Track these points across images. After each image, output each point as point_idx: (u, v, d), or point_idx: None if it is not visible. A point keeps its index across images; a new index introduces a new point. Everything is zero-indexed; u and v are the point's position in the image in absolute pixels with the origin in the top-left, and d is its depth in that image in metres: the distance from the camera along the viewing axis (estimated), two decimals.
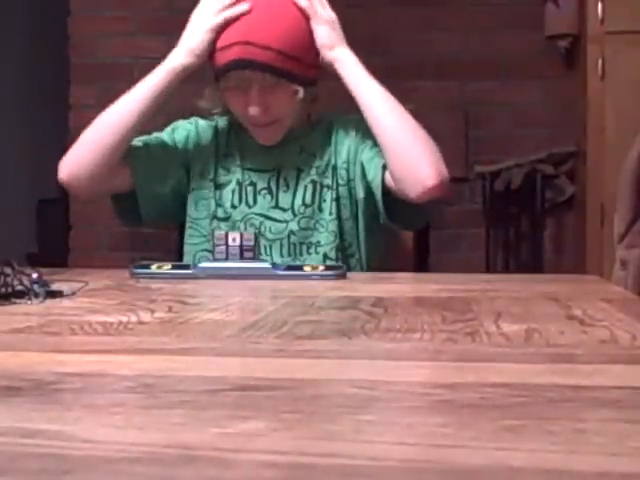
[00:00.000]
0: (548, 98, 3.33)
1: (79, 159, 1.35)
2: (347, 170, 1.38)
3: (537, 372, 0.50)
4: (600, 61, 2.95)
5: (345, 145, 1.39)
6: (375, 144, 1.33)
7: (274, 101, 1.32)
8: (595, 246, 2.91)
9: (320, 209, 1.37)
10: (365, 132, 1.36)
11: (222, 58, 1.31)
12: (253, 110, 1.31)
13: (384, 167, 1.30)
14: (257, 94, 1.30)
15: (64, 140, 3.62)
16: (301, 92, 1.34)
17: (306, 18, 1.32)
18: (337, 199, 1.37)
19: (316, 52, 1.34)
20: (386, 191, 1.31)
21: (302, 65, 1.32)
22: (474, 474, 0.32)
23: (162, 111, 1.35)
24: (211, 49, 1.32)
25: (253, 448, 0.35)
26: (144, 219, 1.40)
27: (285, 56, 1.29)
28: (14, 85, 4.48)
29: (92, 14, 3.53)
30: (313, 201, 1.37)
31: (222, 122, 1.44)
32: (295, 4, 1.32)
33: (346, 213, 1.38)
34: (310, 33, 1.33)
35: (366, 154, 1.35)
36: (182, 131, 1.43)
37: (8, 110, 4.40)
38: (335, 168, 1.39)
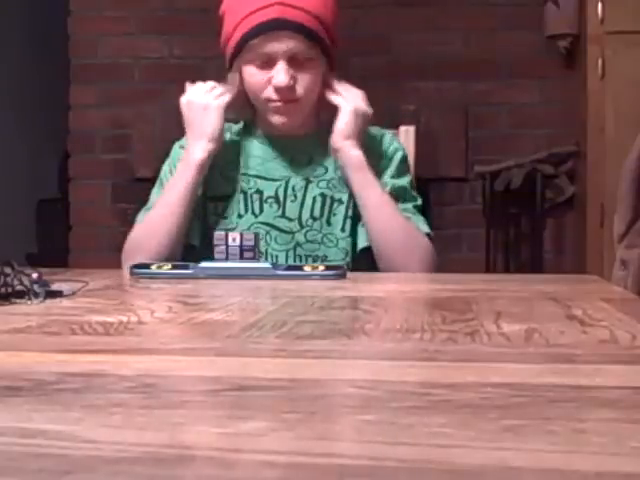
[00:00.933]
0: (548, 98, 3.33)
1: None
2: None
3: (537, 372, 0.50)
4: (600, 61, 2.95)
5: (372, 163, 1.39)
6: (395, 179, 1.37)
7: (300, 76, 1.31)
8: (595, 246, 2.91)
9: (329, 223, 1.36)
10: (389, 155, 1.40)
11: (255, 20, 1.28)
12: (281, 77, 1.28)
13: None
14: (286, 63, 1.29)
15: (64, 140, 3.64)
16: (323, 66, 1.35)
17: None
18: (353, 217, 1.36)
19: (337, 32, 1.35)
20: None
21: (330, 37, 1.33)
22: (474, 474, 0.32)
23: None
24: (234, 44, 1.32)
25: (253, 448, 0.35)
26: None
27: (319, 22, 1.30)
28: (14, 85, 4.48)
29: (92, 14, 3.53)
30: (322, 214, 1.36)
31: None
32: None
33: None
34: (336, 12, 1.34)
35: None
36: (178, 158, 1.40)
37: (8, 110, 4.40)
38: None
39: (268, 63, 1.30)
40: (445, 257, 3.34)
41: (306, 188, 1.37)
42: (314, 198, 1.36)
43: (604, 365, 0.52)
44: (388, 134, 1.44)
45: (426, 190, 3.27)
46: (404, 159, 1.41)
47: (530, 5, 3.28)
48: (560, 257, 3.39)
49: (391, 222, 1.31)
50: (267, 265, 1.12)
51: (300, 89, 1.31)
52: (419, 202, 1.40)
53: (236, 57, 1.34)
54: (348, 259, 1.35)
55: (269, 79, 1.30)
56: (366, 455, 0.34)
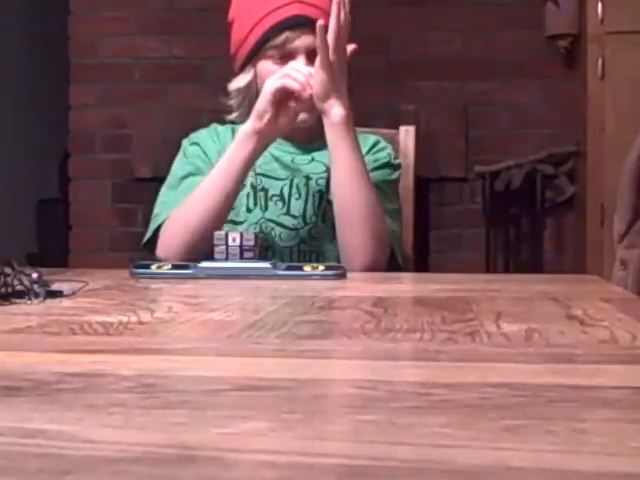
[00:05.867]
0: (548, 98, 3.33)
1: (175, 240, 1.30)
2: None
3: (537, 372, 0.50)
4: (600, 61, 2.95)
5: None
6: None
7: None
8: (595, 246, 2.91)
9: (323, 220, 1.37)
10: (374, 162, 1.38)
11: (276, 17, 1.31)
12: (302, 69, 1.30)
13: None
14: (305, 58, 1.30)
15: (64, 140, 3.64)
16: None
17: None
18: None
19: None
20: None
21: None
22: (474, 474, 0.32)
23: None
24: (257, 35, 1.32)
25: (253, 448, 0.35)
26: None
27: None
28: (14, 85, 4.48)
29: (92, 14, 3.53)
30: (319, 211, 1.38)
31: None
32: None
33: None
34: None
35: None
36: (193, 154, 1.40)
37: (8, 110, 4.40)
38: None
39: (286, 59, 1.32)
40: (445, 257, 3.36)
41: (307, 185, 1.38)
42: (314, 195, 1.38)
43: (604, 365, 0.52)
44: (382, 141, 1.44)
45: (426, 190, 3.27)
46: (387, 164, 1.42)
47: (530, 5, 3.28)
48: (560, 257, 3.38)
49: (355, 193, 1.27)
50: (267, 265, 1.12)
51: None
52: (396, 206, 1.40)
53: (252, 57, 1.35)
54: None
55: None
56: (366, 455, 0.34)
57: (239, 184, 1.30)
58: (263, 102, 1.27)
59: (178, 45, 3.49)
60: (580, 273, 2.33)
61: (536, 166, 3.27)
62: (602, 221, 2.86)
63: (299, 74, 1.27)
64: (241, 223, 1.37)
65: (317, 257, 1.36)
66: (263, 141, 1.29)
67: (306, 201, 1.38)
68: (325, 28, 1.24)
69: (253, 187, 1.39)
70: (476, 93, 3.35)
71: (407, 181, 1.52)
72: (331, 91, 1.27)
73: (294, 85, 1.26)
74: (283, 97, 1.27)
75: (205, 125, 1.48)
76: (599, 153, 2.94)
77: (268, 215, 1.38)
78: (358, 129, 1.45)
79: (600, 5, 2.95)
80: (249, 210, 1.38)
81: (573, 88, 3.23)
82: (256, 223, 1.37)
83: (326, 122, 1.28)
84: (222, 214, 1.30)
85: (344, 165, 1.28)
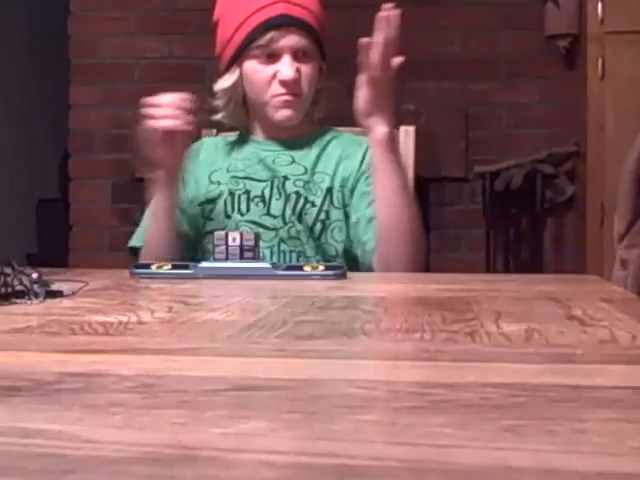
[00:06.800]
0: (548, 98, 3.33)
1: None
2: (342, 194, 1.38)
3: (537, 372, 0.50)
4: (600, 61, 2.95)
5: (348, 169, 1.39)
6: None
7: (303, 69, 1.34)
8: (595, 246, 2.91)
9: (300, 220, 1.36)
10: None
11: (261, 17, 1.32)
12: (288, 71, 1.32)
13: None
14: (290, 58, 1.33)
15: (64, 140, 3.64)
16: (324, 68, 1.39)
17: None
18: (324, 220, 1.36)
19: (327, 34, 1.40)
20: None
21: (324, 37, 1.38)
22: (474, 474, 0.32)
23: None
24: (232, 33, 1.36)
25: (253, 448, 0.35)
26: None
27: (318, 21, 1.36)
28: (14, 85, 4.48)
29: (92, 14, 3.53)
30: (296, 211, 1.37)
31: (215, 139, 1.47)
32: None
33: (340, 236, 1.37)
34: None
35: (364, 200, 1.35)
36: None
37: (8, 110, 4.40)
38: (330, 190, 1.38)
39: (272, 59, 1.34)
40: (445, 257, 3.36)
41: (285, 186, 1.38)
42: (291, 195, 1.38)
43: (604, 365, 0.52)
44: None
45: (426, 190, 3.27)
46: None
47: (530, 5, 3.28)
48: (560, 257, 3.38)
49: (399, 212, 1.26)
50: (267, 265, 1.12)
51: (304, 83, 1.35)
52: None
53: (238, 57, 1.35)
54: (319, 257, 1.36)
55: (274, 74, 1.34)
56: (366, 455, 0.34)
57: (170, 220, 1.33)
58: (143, 152, 1.32)
59: (178, 45, 3.49)
60: (580, 273, 2.33)
61: (536, 166, 3.27)
62: (602, 221, 2.86)
63: (159, 109, 1.32)
64: (221, 231, 1.37)
65: (297, 256, 1.36)
66: (166, 182, 1.31)
67: (285, 201, 1.37)
68: (368, 45, 1.19)
69: (231, 193, 1.39)
70: (476, 93, 3.35)
71: None
72: (375, 108, 1.23)
73: (159, 124, 1.30)
74: (164, 137, 1.29)
75: (205, 124, 1.49)
76: (599, 153, 2.94)
77: (249, 217, 1.37)
78: (358, 129, 1.45)
79: (600, 5, 2.95)
80: (228, 216, 1.38)
81: (573, 88, 3.23)
82: (235, 229, 1.35)
83: (370, 139, 1.27)
84: (170, 243, 1.33)
85: (388, 182, 1.26)
